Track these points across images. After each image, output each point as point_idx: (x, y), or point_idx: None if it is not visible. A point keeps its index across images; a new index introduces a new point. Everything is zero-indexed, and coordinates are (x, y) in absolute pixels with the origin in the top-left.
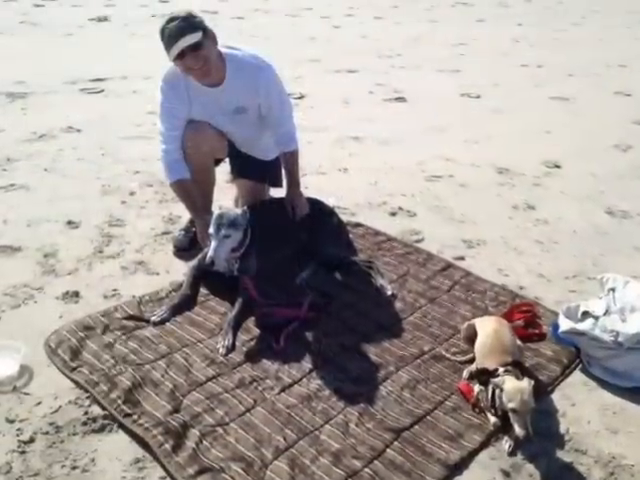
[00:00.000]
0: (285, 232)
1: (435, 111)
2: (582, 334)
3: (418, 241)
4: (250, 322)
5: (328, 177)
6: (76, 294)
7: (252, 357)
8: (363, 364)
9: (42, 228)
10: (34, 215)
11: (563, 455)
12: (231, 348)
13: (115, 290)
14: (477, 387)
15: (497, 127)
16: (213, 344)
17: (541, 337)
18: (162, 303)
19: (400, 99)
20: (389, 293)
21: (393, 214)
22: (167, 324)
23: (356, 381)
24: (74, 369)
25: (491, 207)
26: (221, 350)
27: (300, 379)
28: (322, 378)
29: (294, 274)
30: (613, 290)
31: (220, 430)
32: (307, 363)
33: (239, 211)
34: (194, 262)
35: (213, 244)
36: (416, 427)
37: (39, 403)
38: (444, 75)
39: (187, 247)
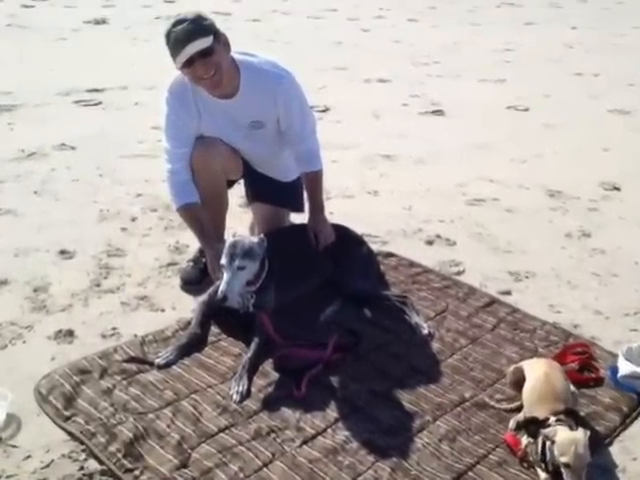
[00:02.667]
0: (308, 263)
1: (477, 126)
2: None
3: (458, 273)
4: (268, 365)
5: (356, 201)
6: (70, 333)
7: (270, 405)
8: (396, 413)
9: (31, 258)
10: (22, 244)
11: None
12: (246, 394)
13: (114, 329)
14: (525, 439)
15: (548, 144)
16: (226, 390)
17: (598, 382)
18: (168, 343)
19: (437, 112)
20: (425, 332)
21: (430, 243)
22: (173, 367)
23: (388, 432)
24: (68, 418)
25: (541, 235)
26: (235, 397)
27: (324, 430)
28: (349, 429)
29: (318, 310)
30: None
31: None
32: (332, 412)
33: (255, 239)
34: (204, 297)
35: (226, 277)
36: None
37: (28, 457)
38: (487, 85)
39: (196, 280)
